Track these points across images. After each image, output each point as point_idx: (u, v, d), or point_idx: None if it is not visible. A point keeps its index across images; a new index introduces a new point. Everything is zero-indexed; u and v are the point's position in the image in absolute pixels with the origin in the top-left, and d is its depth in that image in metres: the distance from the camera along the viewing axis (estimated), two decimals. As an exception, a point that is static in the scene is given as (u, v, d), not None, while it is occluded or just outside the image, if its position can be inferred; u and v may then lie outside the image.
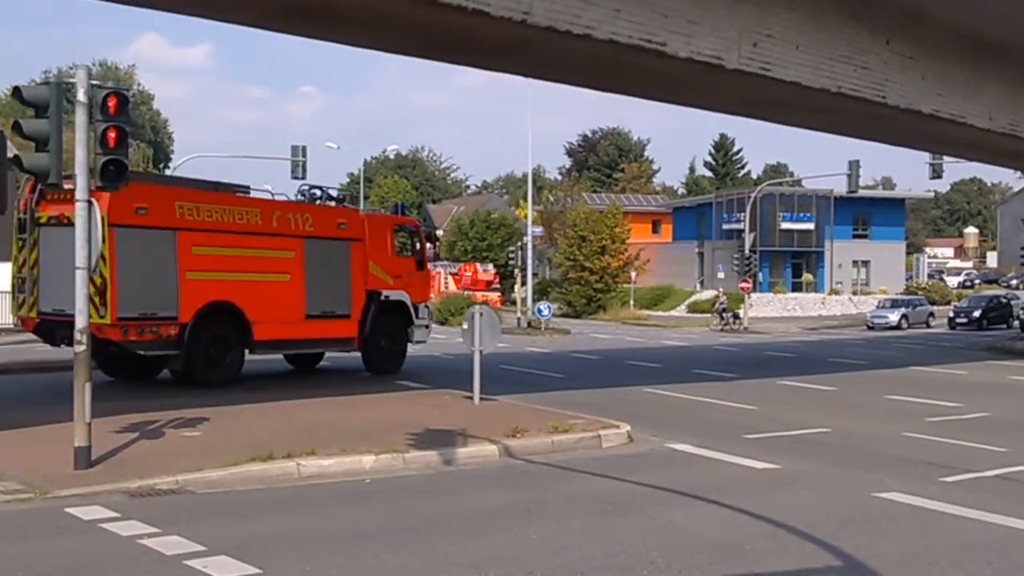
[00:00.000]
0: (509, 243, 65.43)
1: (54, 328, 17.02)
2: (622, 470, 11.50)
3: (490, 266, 67.27)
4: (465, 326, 16.37)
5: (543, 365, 25.95)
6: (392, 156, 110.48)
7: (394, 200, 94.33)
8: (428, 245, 23.18)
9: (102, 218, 12.18)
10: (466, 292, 57.16)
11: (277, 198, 19.81)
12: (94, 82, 10.97)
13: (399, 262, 21.68)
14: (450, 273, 67.88)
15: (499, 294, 61.07)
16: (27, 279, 17.10)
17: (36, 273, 17.04)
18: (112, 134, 10.95)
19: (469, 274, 67.19)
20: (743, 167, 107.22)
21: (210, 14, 14.31)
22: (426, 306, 22.51)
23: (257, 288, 18.42)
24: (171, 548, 7.83)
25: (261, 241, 18.62)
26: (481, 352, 16.23)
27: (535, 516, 9.24)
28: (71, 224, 11.73)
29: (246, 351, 18.72)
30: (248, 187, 19.67)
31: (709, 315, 52.24)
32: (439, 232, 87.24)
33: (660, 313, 60.77)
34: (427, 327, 22.62)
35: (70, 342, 13.28)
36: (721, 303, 49.65)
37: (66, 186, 14.43)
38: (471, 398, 16.32)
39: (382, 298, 21.15)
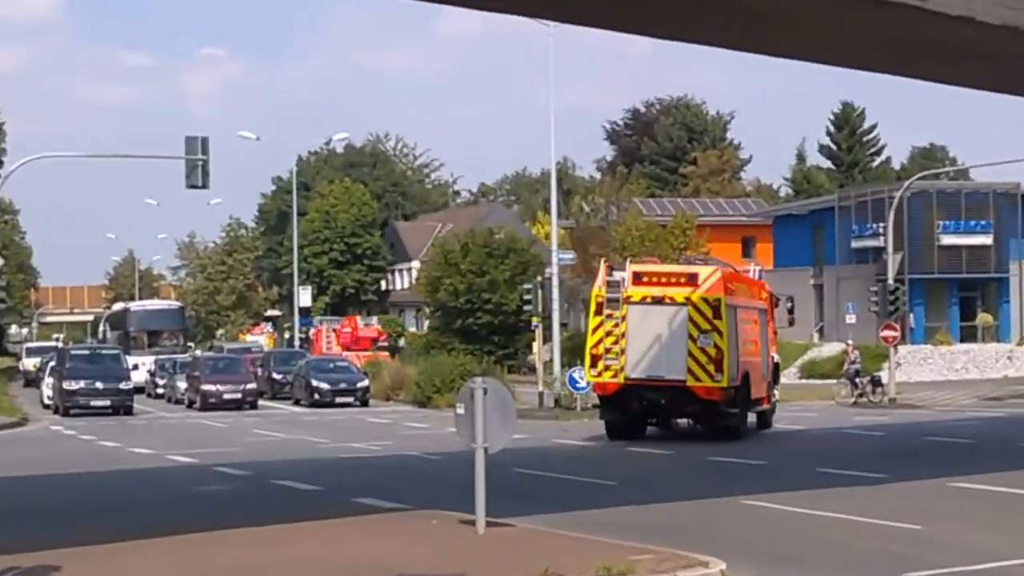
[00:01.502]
0: (522, 278, 65.27)
1: (642, 391, 30.55)
2: (715, 635, 11.15)
3: (373, 320, 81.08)
4: (460, 410, 16.07)
5: (582, 467, 25.82)
6: (340, 150, 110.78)
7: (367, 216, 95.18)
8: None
9: (720, 300, 29.40)
10: (345, 354, 65.44)
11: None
12: None
13: (772, 328, 35.03)
14: (333, 329, 77.60)
15: (387, 354, 68.66)
16: (612, 350, 30.16)
17: (623, 344, 30.04)
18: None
19: (348, 330, 76.34)
20: (878, 152, 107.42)
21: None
22: None
23: (752, 353, 32.04)
24: None
25: (752, 315, 32.63)
26: (487, 451, 15.90)
27: None
28: (659, 303, 29.60)
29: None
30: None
31: (835, 381, 51.84)
32: (415, 264, 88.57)
33: (759, 380, 60.34)
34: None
35: (656, 404, 30.87)
36: (853, 362, 49.23)
37: (654, 268, 32.03)
38: (472, 523, 16.03)
39: (774, 360, 35.01)
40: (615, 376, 30.25)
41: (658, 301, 29.90)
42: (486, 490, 16.00)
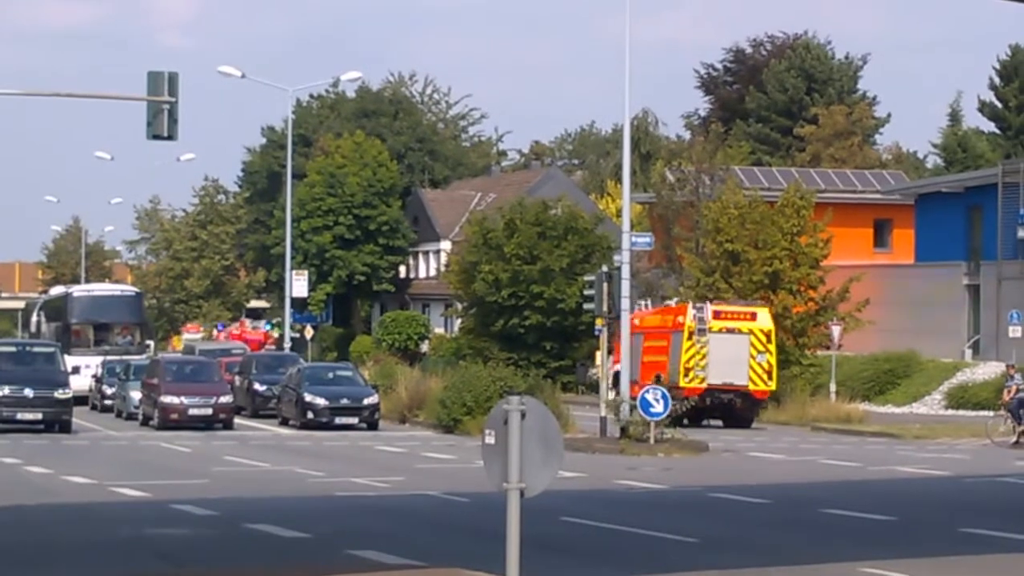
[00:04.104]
0: (585, 267, 65.29)
1: (718, 393, 53.97)
2: None
3: (261, 322, 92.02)
4: (490, 438, 15.97)
5: (653, 517, 25.87)
6: (351, 94, 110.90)
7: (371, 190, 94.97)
8: None
9: (771, 331, 55.04)
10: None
11: None
12: None
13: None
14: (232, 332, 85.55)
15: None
16: (700, 364, 53.26)
17: (706, 361, 53.09)
18: None
19: (238, 332, 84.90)
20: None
21: None
22: None
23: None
24: None
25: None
26: (523, 493, 15.81)
27: None
28: (731, 332, 54.88)
29: None
30: None
31: (992, 414, 51.61)
32: (444, 245, 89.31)
33: (890, 409, 60.28)
34: None
35: (722, 402, 54.86)
36: (1017, 391, 48.94)
37: (728, 308, 56.41)
38: (502, 590, 15.94)
39: None
40: (701, 383, 52.42)
41: (731, 331, 53.51)
42: (522, 545, 15.91)
